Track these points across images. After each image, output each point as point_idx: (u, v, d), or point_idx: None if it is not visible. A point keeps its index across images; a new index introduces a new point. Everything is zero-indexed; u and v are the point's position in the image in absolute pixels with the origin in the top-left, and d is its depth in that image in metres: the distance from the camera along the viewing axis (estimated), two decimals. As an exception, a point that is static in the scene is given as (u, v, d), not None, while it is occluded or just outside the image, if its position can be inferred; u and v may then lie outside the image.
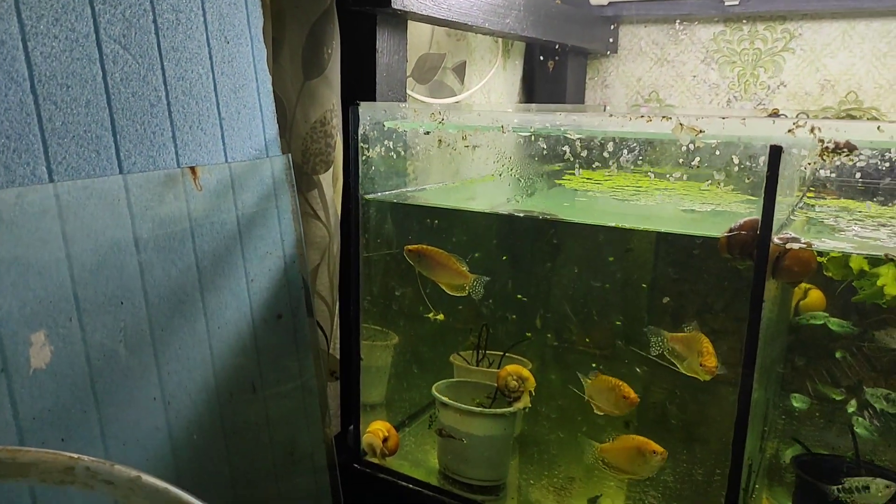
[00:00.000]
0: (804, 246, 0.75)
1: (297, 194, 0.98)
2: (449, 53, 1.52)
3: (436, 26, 1.43)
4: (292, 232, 0.96)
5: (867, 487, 0.83)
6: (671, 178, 0.84)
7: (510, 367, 1.04)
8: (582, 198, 1.02)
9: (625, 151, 0.84)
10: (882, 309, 0.91)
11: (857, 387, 1.04)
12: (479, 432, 1.02)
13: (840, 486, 0.84)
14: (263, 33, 0.96)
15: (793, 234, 0.76)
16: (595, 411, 0.94)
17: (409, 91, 1.39)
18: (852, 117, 1.64)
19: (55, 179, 0.66)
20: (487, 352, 1.18)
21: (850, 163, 0.70)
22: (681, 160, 0.79)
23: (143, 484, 0.45)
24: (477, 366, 1.17)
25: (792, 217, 0.91)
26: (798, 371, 1.11)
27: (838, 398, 1.03)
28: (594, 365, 1.09)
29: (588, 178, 0.99)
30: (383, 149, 1.04)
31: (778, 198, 0.73)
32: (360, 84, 1.09)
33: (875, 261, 0.83)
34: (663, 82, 1.86)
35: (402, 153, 1.08)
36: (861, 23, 1.60)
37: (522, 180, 1.00)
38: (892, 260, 0.80)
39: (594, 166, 0.88)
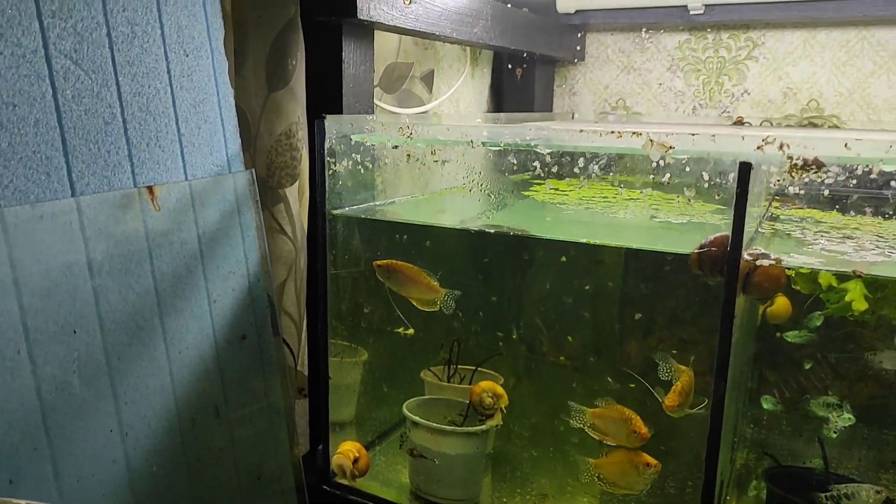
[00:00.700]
0: (773, 262, 0.75)
1: (261, 209, 0.95)
2: (417, 62, 1.50)
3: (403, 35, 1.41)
4: (256, 249, 0.93)
5: (855, 494, 0.83)
6: (642, 193, 0.84)
7: (484, 384, 1.03)
8: (553, 211, 1.01)
9: (595, 167, 0.84)
10: (848, 321, 0.92)
11: (825, 395, 1.05)
12: (452, 451, 1.00)
13: (827, 494, 0.84)
14: (225, 45, 0.93)
15: (762, 250, 0.77)
16: (599, 440, 0.91)
17: (376, 101, 1.37)
18: (814, 125, 1.66)
19: (1, 205, 0.63)
20: (459, 367, 1.16)
21: (819, 179, 0.70)
22: (651, 176, 0.79)
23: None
24: (448, 382, 1.15)
25: (760, 229, 0.91)
26: (766, 381, 1.12)
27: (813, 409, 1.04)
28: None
29: (556, 189, 0.98)
30: (350, 162, 1.02)
31: (749, 212, 0.73)
32: (325, 96, 1.07)
33: (843, 276, 0.84)
34: (630, 90, 1.87)
35: (371, 166, 1.06)
36: (822, 32, 1.63)
37: (492, 195, 0.99)
38: (859, 276, 0.81)
39: (565, 180, 0.87)
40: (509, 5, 1.44)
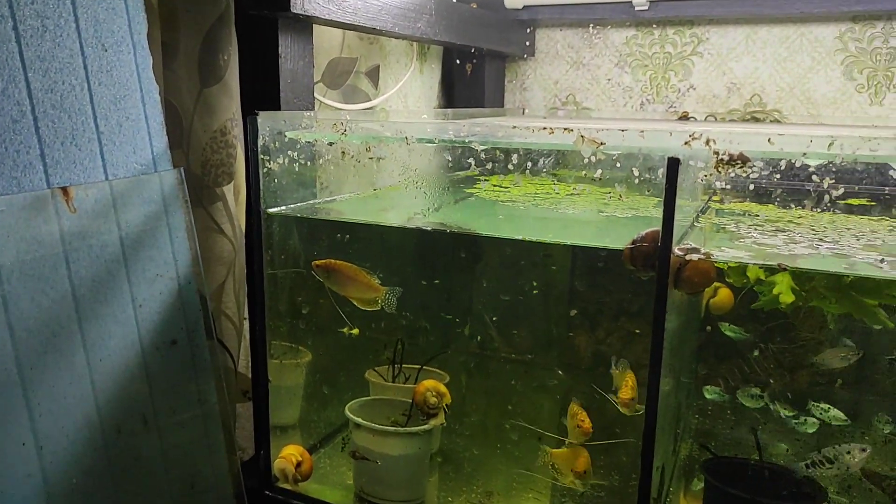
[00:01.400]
0: (703, 257, 0.76)
1: (196, 208, 0.92)
2: (361, 57, 1.47)
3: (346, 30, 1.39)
4: (187, 250, 0.90)
5: (838, 457, 0.84)
6: (575, 189, 0.83)
7: (427, 383, 1.02)
8: (501, 208, 1.00)
9: (529, 163, 0.83)
10: (781, 313, 0.93)
11: (766, 385, 1.07)
12: (395, 452, 0.99)
13: (809, 462, 0.86)
14: (152, 39, 0.89)
15: (693, 245, 0.77)
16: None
17: (320, 97, 1.34)
18: (757, 120, 1.69)
19: None
20: (404, 366, 1.15)
21: (745, 175, 0.71)
22: (584, 173, 0.78)
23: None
24: (393, 381, 1.13)
25: (696, 223, 0.92)
26: (710, 371, 1.13)
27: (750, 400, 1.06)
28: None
29: (496, 185, 0.98)
30: (286, 160, 1.00)
31: (679, 207, 0.73)
32: (261, 91, 1.04)
33: (772, 269, 0.85)
34: (580, 85, 1.87)
35: (308, 164, 1.03)
36: (763, 28, 1.66)
37: (427, 194, 0.98)
38: (784, 269, 0.82)
39: (500, 176, 0.87)
40: (455, 0, 1.43)
